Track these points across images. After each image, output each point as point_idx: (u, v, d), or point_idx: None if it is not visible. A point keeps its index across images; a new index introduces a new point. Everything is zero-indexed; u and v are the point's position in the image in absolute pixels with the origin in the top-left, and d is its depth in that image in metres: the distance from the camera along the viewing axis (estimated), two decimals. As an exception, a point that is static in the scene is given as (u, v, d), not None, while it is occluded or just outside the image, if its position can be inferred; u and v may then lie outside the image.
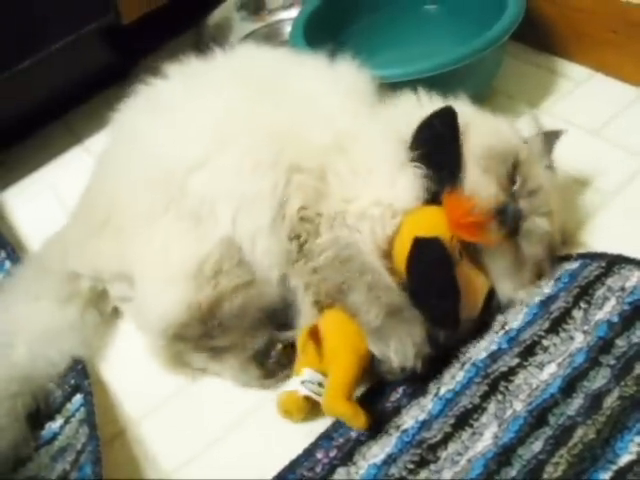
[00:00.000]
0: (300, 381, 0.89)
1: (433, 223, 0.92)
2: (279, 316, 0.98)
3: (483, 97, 1.26)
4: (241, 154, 0.98)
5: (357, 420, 0.85)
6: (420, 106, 1.03)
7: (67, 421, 0.97)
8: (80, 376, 1.01)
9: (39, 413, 0.98)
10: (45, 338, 1.00)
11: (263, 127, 1.00)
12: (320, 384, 0.89)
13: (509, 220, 0.93)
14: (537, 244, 0.96)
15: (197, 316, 0.96)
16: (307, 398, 0.89)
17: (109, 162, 1.12)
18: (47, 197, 1.40)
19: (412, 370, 0.88)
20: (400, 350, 0.86)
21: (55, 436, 0.96)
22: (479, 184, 0.95)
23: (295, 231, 0.96)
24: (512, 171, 0.96)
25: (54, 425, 0.97)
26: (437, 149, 0.96)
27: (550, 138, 1.05)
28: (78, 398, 0.99)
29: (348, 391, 0.86)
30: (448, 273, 0.88)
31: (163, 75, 1.10)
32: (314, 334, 0.92)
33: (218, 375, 1.01)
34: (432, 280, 0.89)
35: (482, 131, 1.00)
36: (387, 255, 0.95)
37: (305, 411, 0.91)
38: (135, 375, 1.04)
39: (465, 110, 1.02)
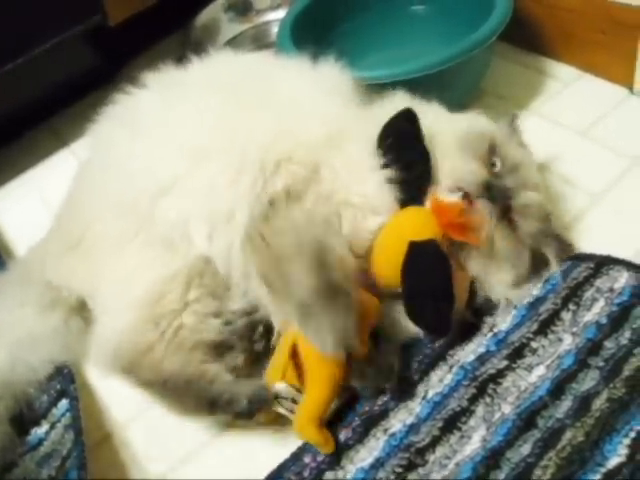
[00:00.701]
0: (274, 396, 0.88)
1: (420, 224, 0.91)
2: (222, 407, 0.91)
3: (471, 98, 1.26)
4: (219, 165, 0.96)
5: (326, 447, 0.86)
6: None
7: (53, 426, 0.96)
8: (66, 381, 1.00)
9: (23, 418, 0.97)
10: (26, 344, 0.99)
11: (245, 131, 0.98)
12: (294, 400, 0.88)
13: (497, 195, 0.93)
14: (533, 218, 0.96)
15: (147, 362, 0.94)
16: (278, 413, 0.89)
17: (86, 176, 1.11)
18: (33, 200, 1.39)
19: (389, 389, 0.89)
20: (318, 333, 0.83)
21: (41, 442, 0.95)
22: (459, 167, 0.95)
23: (275, 198, 0.94)
24: (490, 152, 0.97)
25: (40, 430, 0.96)
26: (404, 150, 0.95)
27: (512, 121, 1.06)
28: (64, 403, 0.98)
29: (320, 417, 0.87)
30: (446, 278, 0.87)
31: (141, 85, 1.08)
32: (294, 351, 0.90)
33: None
34: (429, 285, 0.88)
35: (453, 125, 1.01)
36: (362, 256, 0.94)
37: (272, 418, 0.91)
38: (121, 379, 1.01)
39: (433, 111, 1.03)
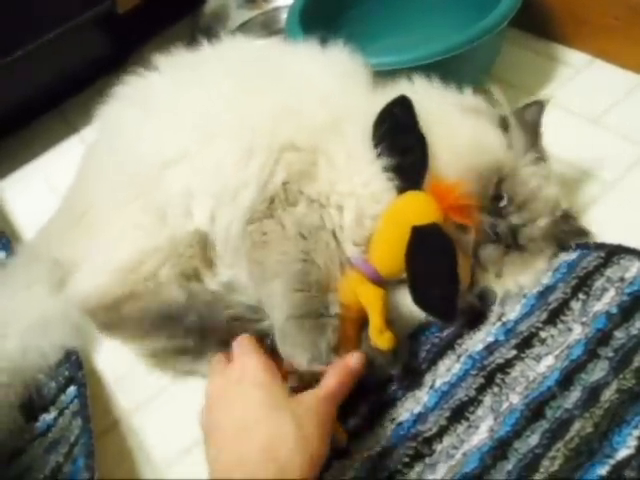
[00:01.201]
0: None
1: (421, 209, 0.89)
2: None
3: (481, 84, 1.25)
4: (228, 146, 0.96)
5: (341, 441, 0.86)
6: (414, 92, 1.00)
7: (61, 413, 0.97)
8: (74, 368, 1.00)
9: (33, 404, 0.97)
10: (37, 327, 0.99)
11: (254, 112, 0.98)
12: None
13: (504, 238, 0.93)
14: (541, 242, 0.96)
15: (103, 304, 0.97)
16: None
17: (94, 155, 1.12)
18: (42, 187, 1.39)
19: (396, 377, 0.90)
20: (292, 351, 0.85)
21: (49, 428, 0.95)
22: None
23: (275, 195, 0.94)
24: (496, 189, 0.94)
25: (48, 417, 0.97)
26: (400, 136, 0.93)
27: (533, 114, 1.01)
28: (72, 390, 0.98)
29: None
30: (451, 261, 0.86)
31: (152, 67, 1.08)
32: None
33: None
34: (435, 271, 0.87)
35: (459, 144, 0.96)
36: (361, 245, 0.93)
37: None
38: (129, 366, 1.03)
39: (441, 106, 1.00)
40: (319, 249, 0.91)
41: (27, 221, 1.32)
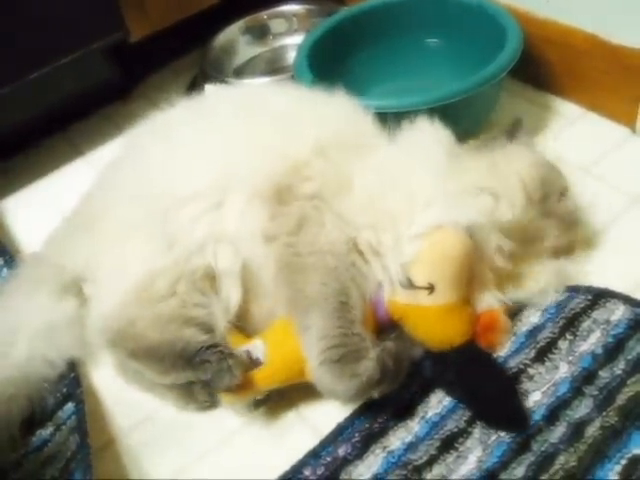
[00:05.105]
0: None
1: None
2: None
3: (479, 131, 1.29)
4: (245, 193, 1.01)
5: None
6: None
7: (58, 429, 0.98)
8: (72, 385, 1.02)
9: (33, 418, 0.99)
10: (44, 333, 1.01)
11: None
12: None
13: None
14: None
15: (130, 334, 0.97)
16: None
17: (115, 170, 1.16)
18: (48, 207, 1.41)
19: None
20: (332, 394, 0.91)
21: (45, 443, 0.96)
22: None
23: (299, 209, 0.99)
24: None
25: (45, 432, 0.98)
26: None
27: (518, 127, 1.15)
28: (70, 406, 1.00)
29: None
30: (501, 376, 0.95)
31: (173, 104, 1.15)
32: None
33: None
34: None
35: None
36: None
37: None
38: (127, 385, 1.05)
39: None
40: (353, 275, 0.94)
41: (31, 240, 1.34)
